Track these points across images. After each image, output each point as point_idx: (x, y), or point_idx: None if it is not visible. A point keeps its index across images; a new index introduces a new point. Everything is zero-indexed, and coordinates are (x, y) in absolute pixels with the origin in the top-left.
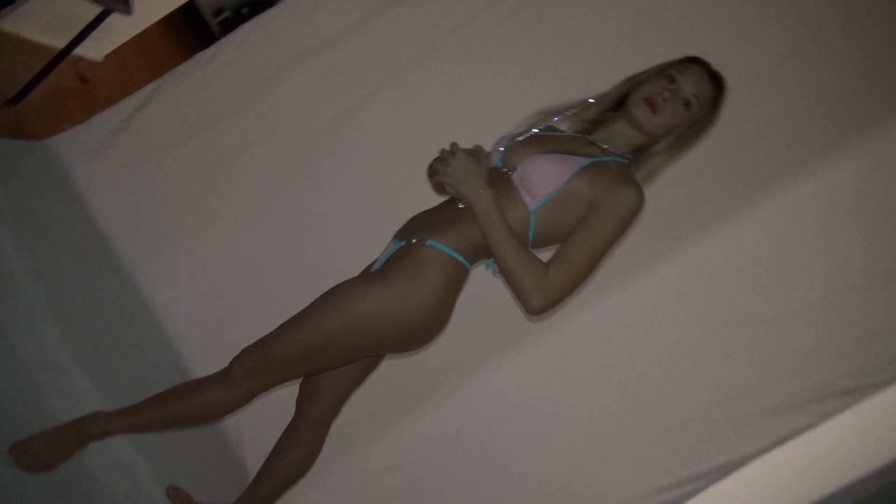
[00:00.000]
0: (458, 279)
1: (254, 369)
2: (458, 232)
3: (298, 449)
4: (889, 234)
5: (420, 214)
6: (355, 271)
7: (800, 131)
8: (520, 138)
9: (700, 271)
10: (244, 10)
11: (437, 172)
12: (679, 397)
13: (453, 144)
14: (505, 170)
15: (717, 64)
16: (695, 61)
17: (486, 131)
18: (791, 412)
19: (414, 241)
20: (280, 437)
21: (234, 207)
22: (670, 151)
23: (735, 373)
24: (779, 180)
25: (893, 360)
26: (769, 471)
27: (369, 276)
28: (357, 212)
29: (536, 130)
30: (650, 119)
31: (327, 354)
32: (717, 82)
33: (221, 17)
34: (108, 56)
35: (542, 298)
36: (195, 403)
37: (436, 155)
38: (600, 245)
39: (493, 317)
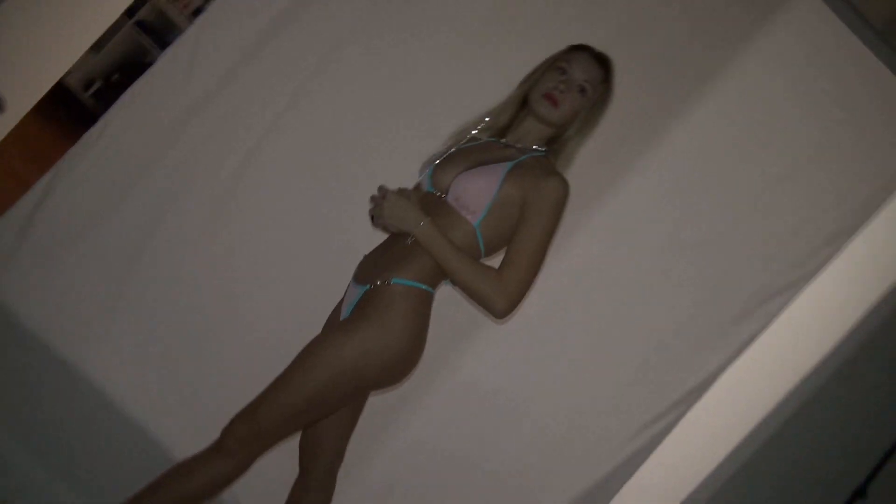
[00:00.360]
0: (426, 306)
1: (248, 437)
2: (415, 263)
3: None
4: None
5: (372, 254)
6: (295, 327)
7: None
8: (441, 158)
9: (628, 209)
10: (115, 77)
11: (377, 212)
12: (637, 338)
13: (381, 188)
14: (438, 194)
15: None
16: (579, 48)
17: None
18: (743, 320)
19: (378, 282)
20: (290, 497)
21: (159, 277)
22: (580, 134)
23: (683, 297)
24: (682, 107)
25: (817, 248)
26: (740, 379)
27: (343, 324)
28: (280, 265)
29: (454, 149)
30: (553, 112)
31: (320, 407)
32: (603, 63)
33: (93, 90)
34: None
35: (503, 302)
36: (195, 483)
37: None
38: (541, 238)
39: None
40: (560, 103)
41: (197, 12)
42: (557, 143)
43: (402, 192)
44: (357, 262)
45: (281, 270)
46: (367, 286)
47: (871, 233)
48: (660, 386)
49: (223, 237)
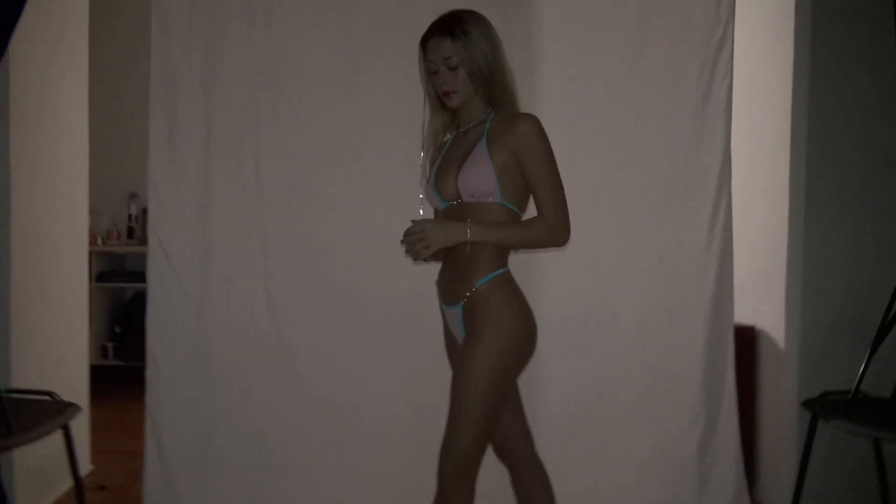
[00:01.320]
0: (512, 282)
1: (458, 470)
2: (481, 260)
3: (537, 490)
4: None
5: (444, 275)
6: None
7: None
8: (430, 178)
9: None
10: (117, 329)
11: (421, 251)
12: None
13: (415, 223)
14: (454, 202)
15: None
16: (422, 41)
17: None
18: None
19: (467, 294)
20: (518, 496)
21: None
22: (491, 78)
23: None
24: None
25: None
26: None
27: (470, 341)
28: None
29: (434, 165)
30: (454, 100)
31: (499, 411)
32: (443, 30)
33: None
34: None
35: (558, 233)
36: None
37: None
38: (547, 170)
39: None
40: (451, 92)
41: None
42: (491, 97)
43: (427, 219)
44: None
45: None
46: (461, 302)
47: None
48: None
49: None
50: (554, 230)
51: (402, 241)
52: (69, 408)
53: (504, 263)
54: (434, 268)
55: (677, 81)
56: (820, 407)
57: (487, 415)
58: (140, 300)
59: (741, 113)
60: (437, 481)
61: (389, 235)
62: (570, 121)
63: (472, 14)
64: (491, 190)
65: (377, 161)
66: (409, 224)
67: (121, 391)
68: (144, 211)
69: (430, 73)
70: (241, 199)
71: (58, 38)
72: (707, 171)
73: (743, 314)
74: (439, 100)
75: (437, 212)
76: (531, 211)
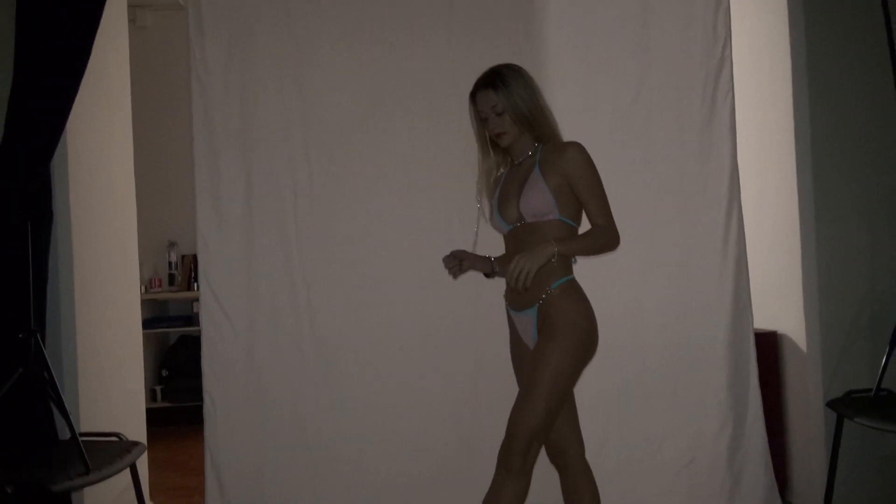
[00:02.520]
0: (578, 286)
1: (521, 452)
2: (553, 268)
3: (584, 494)
4: None
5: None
6: None
7: None
8: (494, 208)
9: None
10: (164, 373)
11: (524, 283)
12: None
13: (514, 262)
14: (518, 224)
15: None
16: (471, 95)
17: None
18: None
19: (544, 295)
20: (566, 496)
21: None
22: (533, 118)
23: None
24: None
25: None
26: None
27: (545, 336)
28: None
29: (495, 196)
30: (505, 141)
31: (562, 402)
32: (488, 84)
33: (159, 397)
34: None
35: (614, 238)
36: None
37: None
38: (595, 187)
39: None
40: (502, 133)
41: None
42: (536, 133)
43: (520, 254)
44: None
45: None
46: (536, 305)
47: None
48: None
49: None
50: (612, 235)
51: (494, 274)
52: (135, 447)
53: (571, 271)
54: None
55: (681, 103)
56: (844, 406)
57: (553, 403)
58: (184, 343)
59: (748, 127)
60: (497, 464)
61: (421, 264)
62: (585, 146)
63: (509, 67)
64: (550, 209)
65: (403, 201)
66: (443, 255)
67: (171, 432)
68: (184, 258)
69: (481, 120)
70: (282, 243)
71: (105, 108)
72: (717, 187)
73: (764, 320)
74: (490, 142)
75: (504, 237)
76: (584, 224)
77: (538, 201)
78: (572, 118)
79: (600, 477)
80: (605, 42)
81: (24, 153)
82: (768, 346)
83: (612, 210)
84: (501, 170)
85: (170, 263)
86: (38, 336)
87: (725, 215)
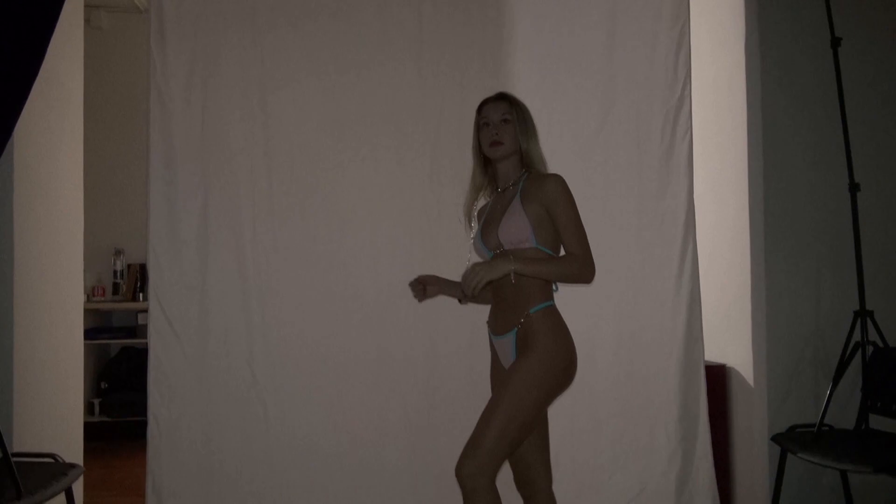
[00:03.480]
0: (558, 314)
1: (477, 471)
2: (532, 292)
3: None
4: None
5: (494, 311)
6: None
7: None
8: (475, 233)
9: None
10: (103, 385)
11: (474, 289)
12: None
13: (471, 268)
14: (497, 251)
15: None
16: (483, 104)
17: None
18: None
19: (522, 320)
20: None
21: None
22: (529, 141)
23: None
24: None
25: None
26: None
27: (521, 358)
28: None
29: (474, 226)
30: (502, 148)
31: (529, 427)
32: (502, 97)
33: (96, 411)
34: None
35: (587, 269)
36: None
37: None
38: (573, 218)
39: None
40: (501, 141)
41: None
42: (525, 161)
43: (477, 262)
44: None
45: None
46: (514, 329)
47: None
48: None
49: None
50: (584, 265)
51: (466, 300)
52: (71, 469)
53: (551, 297)
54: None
55: (641, 138)
56: (788, 441)
57: (518, 426)
58: (126, 355)
59: (707, 161)
60: (462, 480)
61: (380, 285)
62: None
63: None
64: (527, 237)
65: (364, 223)
66: (400, 277)
67: (108, 448)
68: (129, 267)
69: (482, 126)
70: (238, 261)
71: (56, 110)
72: (674, 221)
73: (714, 353)
74: (484, 161)
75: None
76: None
77: (515, 229)
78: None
79: None
80: (570, 75)
81: None
82: (717, 378)
83: None
84: (488, 197)
85: (115, 272)
86: None
87: (680, 250)
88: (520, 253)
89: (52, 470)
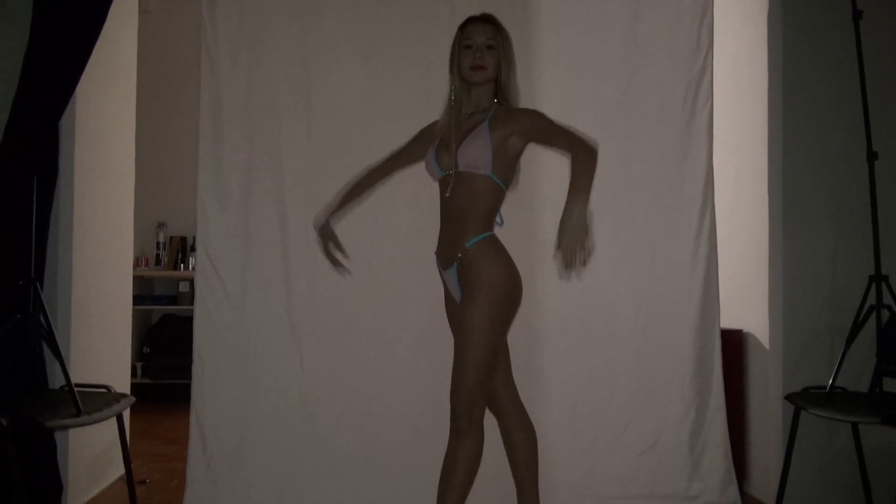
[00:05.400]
0: (497, 242)
1: (469, 407)
2: (470, 225)
3: (520, 436)
4: None
5: (440, 244)
6: None
7: None
8: (434, 149)
9: None
10: (145, 349)
11: (583, 256)
12: None
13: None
14: (449, 172)
15: None
16: (466, 23)
17: None
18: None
19: (459, 254)
20: (504, 444)
21: None
22: (509, 72)
23: None
24: None
25: None
26: None
27: (467, 295)
28: None
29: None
30: (484, 73)
31: (496, 354)
32: (488, 20)
33: (139, 373)
34: None
35: (588, 143)
36: (462, 471)
37: None
38: (558, 126)
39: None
40: (484, 66)
41: None
42: (501, 91)
43: (568, 236)
44: None
45: None
46: (455, 263)
47: None
48: None
49: None
50: (585, 142)
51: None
52: (123, 398)
53: (490, 228)
54: None
55: (664, 106)
56: (801, 399)
57: (486, 358)
58: (167, 322)
59: (727, 133)
60: (451, 422)
61: (414, 244)
62: None
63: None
64: (485, 163)
65: (396, 187)
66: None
67: (150, 407)
68: (172, 239)
69: (464, 48)
70: (277, 213)
71: (112, 82)
72: (693, 185)
73: (732, 319)
74: (451, 99)
75: (440, 183)
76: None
77: (477, 152)
78: (558, 113)
79: (568, 453)
80: (595, 42)
81: (35, 109)
82: (734, 343)
83: (593, 205)
84: (449, 118)
85: (158, 244)
86: (38, 285)
87: (699, 214)
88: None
89: (106, 398)
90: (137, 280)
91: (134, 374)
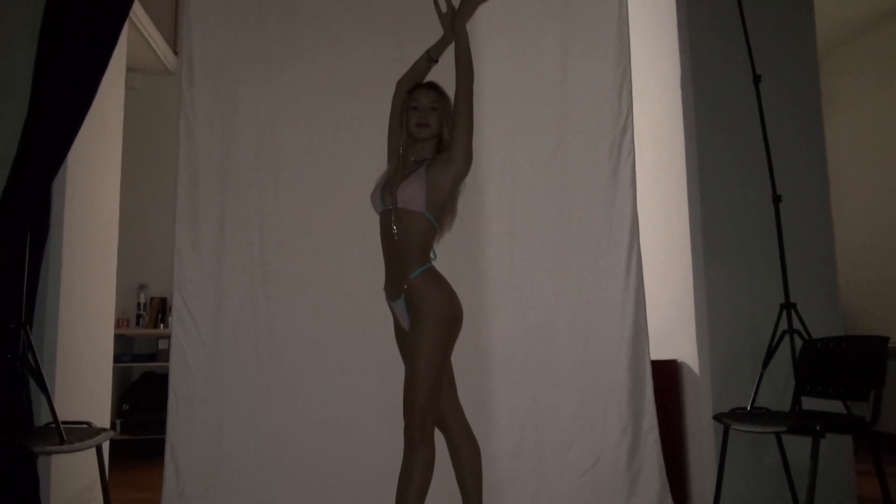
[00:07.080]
0: (437, 273)
1: (419, 421)
2: (411, 259)
3: (465, 449)
4: None
5: (386, 279)
6: None
7: None
8: (381, 188)
9: None
10: (125, 407)
11: None
12: None
13: None
14: (391, 207)
15: None
16: (413, 90)
17: None
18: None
19: (405, 287)
20: (451, 457)
21: None
22: (449, 129)
23: None
24: None
25: None
26: None
27: (415, 324)
28: None
29: (383, 181)
30: (428, 130)
31: (442, 373)
32: (432, 87)
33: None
34: None
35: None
36: (417, 481)
37: None
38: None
39: None
40: (427, 123)
41: None
42: (442, 146)
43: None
44: None
45: None
46: (402, 295)
47: None
48: None
49: None
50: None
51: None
52: (104, 431)
53: (427, 261)
54: None
55: (593, 158)
56: (728, 418)
57: (434, 375)
58: (147, 380)
59: (653, 185)
60: (405, 436)
61: (371, 280)
62: (511, 191)
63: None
64: (420, 201)
65: (355, 229)
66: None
67: (129, 463)
68: (151, 300)
69: (412, 109)
70: (248, 260)
71: (101, 149)
72: (620, 229)
73: (667, 351)
74: (400, 150)
75: (381, 216)
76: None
77: (413, 191)
78: (501, 163)
79: (517, 475)
80: (530, 105)
81: (31, 171)
82: (670, 371)
83: (533, 251)
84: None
85: (139, 304)
86: (28, 328)
87: (627, 253)
88: (406, 218)
89: (88, 431)
90: (118, 339)
91: (114, 428)
